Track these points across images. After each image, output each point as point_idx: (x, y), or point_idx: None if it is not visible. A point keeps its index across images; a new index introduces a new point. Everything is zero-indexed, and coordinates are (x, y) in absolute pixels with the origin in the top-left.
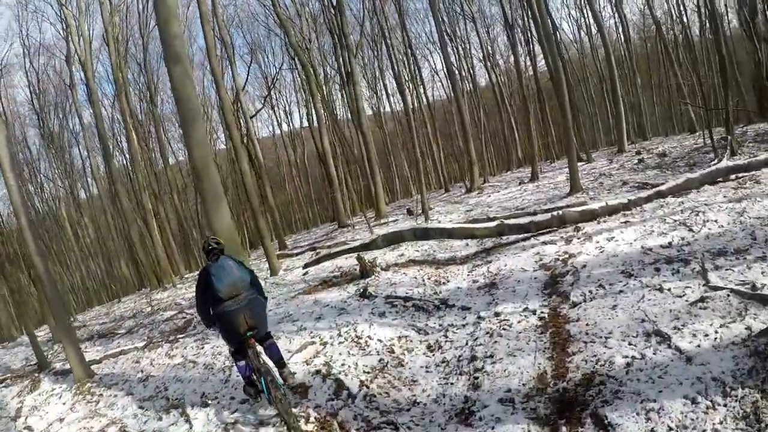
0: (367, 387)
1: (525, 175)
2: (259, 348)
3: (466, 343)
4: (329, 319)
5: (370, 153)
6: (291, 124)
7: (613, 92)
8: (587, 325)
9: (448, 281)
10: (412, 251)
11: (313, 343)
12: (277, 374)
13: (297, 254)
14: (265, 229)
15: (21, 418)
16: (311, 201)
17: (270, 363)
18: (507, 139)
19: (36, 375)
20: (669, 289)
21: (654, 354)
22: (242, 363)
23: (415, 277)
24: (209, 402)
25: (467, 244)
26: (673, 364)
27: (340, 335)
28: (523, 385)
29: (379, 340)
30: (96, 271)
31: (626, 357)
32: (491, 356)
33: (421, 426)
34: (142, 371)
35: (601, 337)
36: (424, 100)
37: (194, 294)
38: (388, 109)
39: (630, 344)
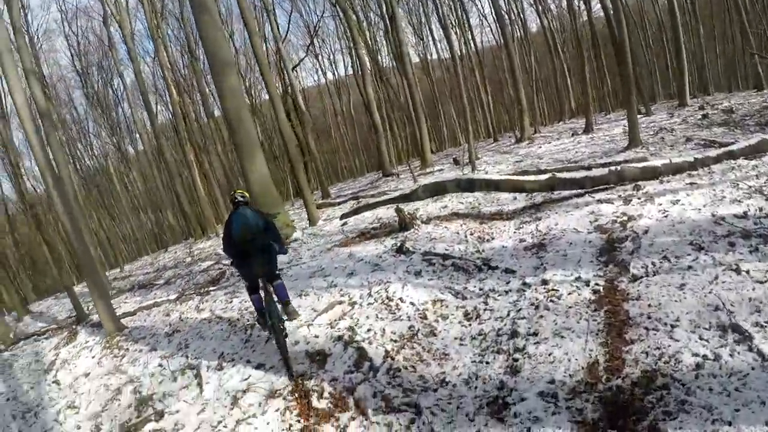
0: (392, 359)
1: (578, 126)
2: (270, 287)
3: (508, 314)
4: (362, 276)
5: (415, 100)
6: (336, 73)
7: (675, 41)
8: (649, 306)
9: (493, 238)
10: (455, 203)
11: (341, 302)
12: (281, 313)
13: (339, 203)
14: (303, 178)
15: (52, 372)
16: (357, 149)
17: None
18: (559, 88)
19: (74, 327)
20: (747, 272)
21: (730, 356)
22: (255, 296)
23: (457, 233)
24: (224, 365)
25: (515, 198)
26: (755, 374)
27: (370, 295)
28: (570, 376)
29: (412, 303)
30: (146, 222)
31: (696, 356)
32: (535, 334)
33: (446, 413)
34: (170, 325)
35: (665, 324)
36: (472, 46)
37: None
38: (435, 56)
39: (701, 339)
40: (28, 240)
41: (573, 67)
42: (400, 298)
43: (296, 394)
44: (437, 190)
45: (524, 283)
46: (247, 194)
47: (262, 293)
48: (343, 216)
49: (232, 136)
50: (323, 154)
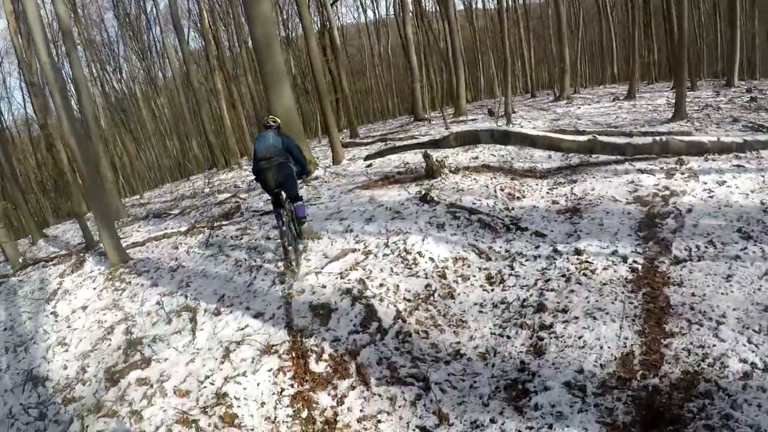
0: (404, 321)
1: (620, 92)
2: (291, 207)
3: (535, 283)
4: (380, 223)
5: (455, 46)
6: (376, 12)
7: (731, 18)
8: (693, 295)
9: (524, 196)
10: (487, 155)
11: (355, 250)
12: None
13: (366, 144)
14: (331, 114)
15: (52, 302)
16: (391, 92)
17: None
18: (604, 52)
19: (82, 255)
20: None
21: None
22: (276, 211)
23: (486, 186)
24: (222, 309)
25: (550, 157)
26: None
27: (387, 245)
28: (601, 366)
29: (431, 259)
30: (171, 149)
31: (744, 362)
32: (564, 310)
33: (458, 391)
34: (176, 259)
35: (710, 319)
36: None
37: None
38: (480, 5)
39: (750, 342)
40: (50, 162)
41: (619, 32)
42: (419, 252)
43: (293, 353)
44: (470, 138)
45: (555, 250)
46: (278, 120)
47: (282, 210)
48: (368, 157)
49: (259, 65)
50: (356, 93)
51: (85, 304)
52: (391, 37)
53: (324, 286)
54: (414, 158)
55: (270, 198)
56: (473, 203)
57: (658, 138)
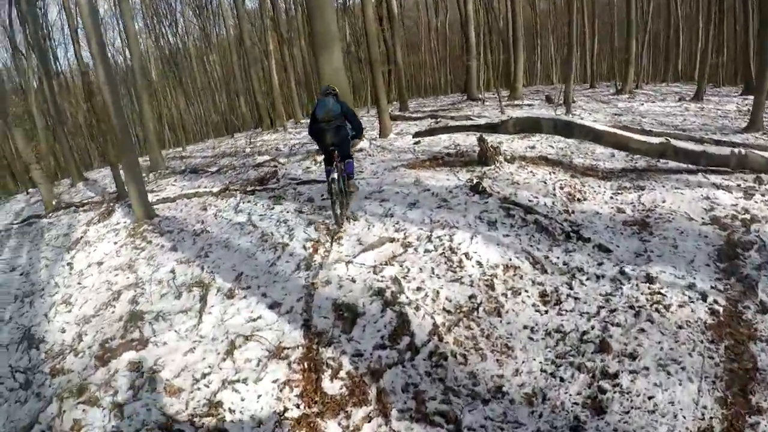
0: (440, 338)
1: (685, 92)
2: (342, 165)
3: (598, 312)
4: (424, 211)
5: (516, 26)
6: None
7: None
8: None
9: (585, 199)
10: (545, 145)
11: (393, 240)
12: (343, 186)
13: (416, 119)
14: (381, 84)
15: (72, 252)
16: (445, 68)
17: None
18: (669, 47)
19: (112, 204)
20: None
21: None
22: (328, 168)
23: (544, 182)
24: (237, 292)
25: (613, 155)
26: None
27: (430, 240)
28: None
29: (479, 263)
30: (219, 105)
31: None
32: (632, 356)
33: None
34: (202, 222)
35: None
36: None
37: (298, 140)
38: None
39: None
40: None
41: (687, 27)
42: (466, 254)
43: (305, 364)
44: (530, 126)
45: (622, 272)
46: (337, 89)
47: (334, 166)
48: (418, 134)
49: (310, 23)
50: (408, 66)
51: (102, 260)
52: (449, 12)
53: (353, 280)
54: (466, 140)
55: (324, 157)
56: (530, 200)
57: (736, 150)
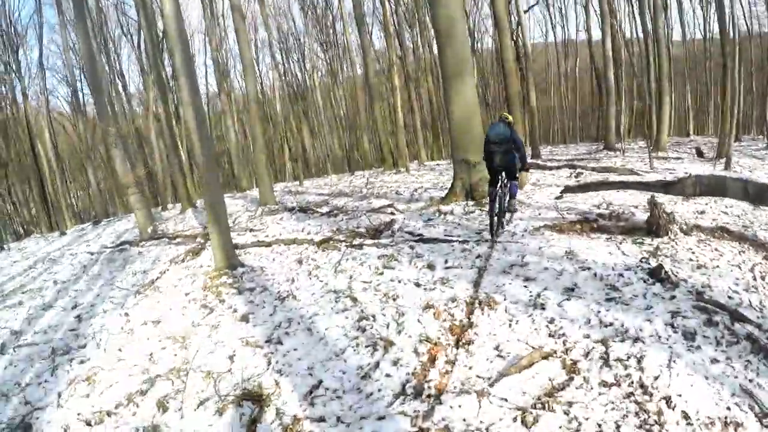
0: None
1: None
2: (506, 183)
3: None
4: (588, 303)
5: (662, 70)
6: (566, 28)
7: None
8: None
9: None
10: (716, 211)
11: (549, 356)
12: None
13: (551, 168)
14: (520, 130)
15: (139, 296)
16: (574, 114)
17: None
18: None
19: (203, 242)
20: None
21: None
22: (492, 189)
23: (738, 266)
24: (302, 423)
25: None
26: None
27: (606, 362)
28: None
29: (685, 416)
30: (344, 141)
31: None
32: None
33: None
34: (292, 281)
35: None
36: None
37: (420, 184)
38: (678, 33)
39: None
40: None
41: None
42: (667, 398)
43: None
44: (714, 187)
45: None
46: (510, 117)
47: (498, 188)
48: (566, 189)
49: (439, 53)
50: (537, 111)
51: (160, 318)
52: (579, 58)
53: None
54: (617, 198)
55: (489, 178)
56: (729, 296)
57: None
